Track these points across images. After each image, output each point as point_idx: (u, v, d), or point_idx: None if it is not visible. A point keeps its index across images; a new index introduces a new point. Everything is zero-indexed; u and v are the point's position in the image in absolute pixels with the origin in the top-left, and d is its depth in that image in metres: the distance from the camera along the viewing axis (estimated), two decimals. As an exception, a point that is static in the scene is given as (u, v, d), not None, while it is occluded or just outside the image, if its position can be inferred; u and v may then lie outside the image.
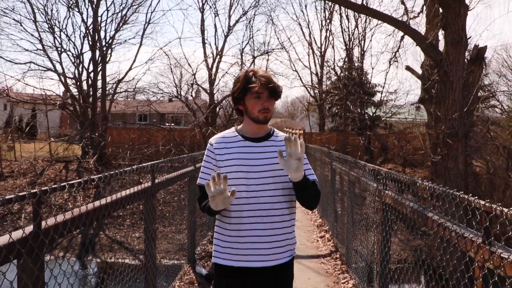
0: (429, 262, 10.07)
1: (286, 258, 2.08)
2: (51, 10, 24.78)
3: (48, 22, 19.07)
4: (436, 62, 9.95)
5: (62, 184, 2.06)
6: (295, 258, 2.23)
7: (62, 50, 19.18)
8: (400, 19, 14.48)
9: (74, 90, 19.60)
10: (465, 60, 19.43)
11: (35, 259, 1.84)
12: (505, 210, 1.64)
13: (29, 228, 1.85)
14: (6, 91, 20.75)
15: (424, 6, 14.78)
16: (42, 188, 1.87)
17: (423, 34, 11.49)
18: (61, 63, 19.10)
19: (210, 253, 5.91)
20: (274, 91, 2.04)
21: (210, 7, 29.84)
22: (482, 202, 1.80)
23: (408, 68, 18.22)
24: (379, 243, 3.44)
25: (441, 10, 9.72)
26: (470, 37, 10.50)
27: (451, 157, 9.89)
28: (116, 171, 2.82)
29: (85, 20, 19.34)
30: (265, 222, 2.02)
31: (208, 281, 4.90)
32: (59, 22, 32.63)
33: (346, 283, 4.90)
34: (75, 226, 2.20)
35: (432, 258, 10.58)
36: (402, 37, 16.85)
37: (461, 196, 1.99)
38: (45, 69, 18.99)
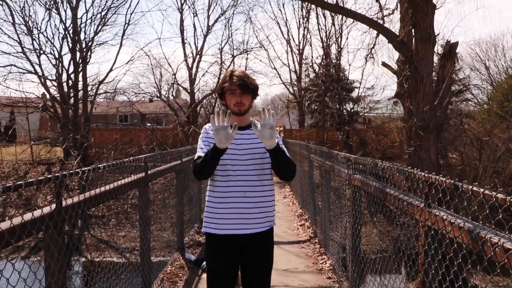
0: (404, 250, 10.59)
1: (266, 227, 2.50)
2: (29, 12, 24.76)
3: (26, 24, 19.12)
4: (407, 58, 10.48)
5: (77, 170, 2.43)
6: (277, 244, 2.65)
7: (41, 52, 19.27)
8: (375, 16, 15.08)
9: (54, 92, 19.69)
10: (438, 55, 20.11)
11: (59, 231, 2.21)
12: (440, 178, 2.08)
13: (53, 206, 2.22)
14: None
15: (398, 4, 15.35)
16: (63, 173, 2.24)
17: (398, 30, 12.02)
18: (40, 66, 19.17)
19: (198, 242, 6.32)
20: (246, 87, 2.44)
21: (189, 7, 30.26)
22: (422, 173, 2.25)
23: (384, 64, 18.77)
24: (350, 220, 3.89)
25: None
26: (438, 34, 11.01)
27: (423, 148, 10.44)
28: (112, 162, 3.19)
29: (64, 22, 19.46)
30: (248, 196, 2.43)
31: (197, 266, 5.29)
32: (37, 24, 32.38)
33: (324, 263, 5.35)
34: (87, 206, 2.58)
35: (407, 247, 11.10)
36: (378, 34, 17.38)
37: (408, 170, 2.44)
38: (25, 71, 19.03)
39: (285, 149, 2.51)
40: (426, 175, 2.21)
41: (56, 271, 2.20)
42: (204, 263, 5.26)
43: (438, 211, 2.14)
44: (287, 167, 2.45)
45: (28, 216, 1.99)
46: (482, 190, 1.67)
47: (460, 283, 1.85)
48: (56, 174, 2.19)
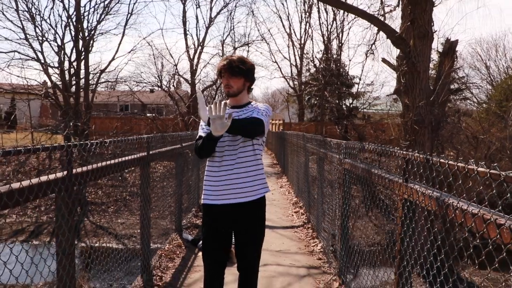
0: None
1: (257, 196, 2.73)
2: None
3: (29, 11, 19.23)
4: (405, 53, 10.67)
5: (86, 141, 2.65)
6: (272, 228, 2.88)
7: (44, 39, 19.41)
8: (377, 12, 15.25)
9: (56, 80, 19.84)
10: (438, 52, 20.25)
11: (69, 194, 2.44)
12: (415, 153, 2.31)
13: (65, 172, 2.45)
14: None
15: (400, 1, 15.55)
16: (75, 142, 2.46)
17: (399, 27, 12.20)
18: (42, 53, 19.31)
19: (195, 225, 6.55)
20: (232, 70, 2.65)
21: (192, -2, 30.24)
22: (400, 151, 2.47)
23: (384, 60, 18.91)
24: (340, 200, 4.12)
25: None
26: (436, 31, 11.19)
27: (418, 143, 10.63)
28: (117, 139, 3.42)
29: (67, 9, 19.58)
30: (239, 168, 2.66)
31: (194, 245, 5.53)
32: (40, 11, 32.50)
33: (315, 245, 5.59)
34: (94, 176, 2.81)
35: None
36: (378, 31, 17.58)
37: (389, 150, 2.66)
38: (28, 58, 19.18)
39: (258, 114, 2.65)
40: (404, 152, 2.44)
41: (66, 230, 2.43)
42: (201, 242, 5.49)
43: (413, 185, 2.36)
44: (246, 132, 2.59)
45: (44, 178, 2.21)
46: (447, 161, 1.89)
47: (429, 245, 2.08)
48: (68, 143, 2.41)
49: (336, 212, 4.45)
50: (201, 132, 2.73)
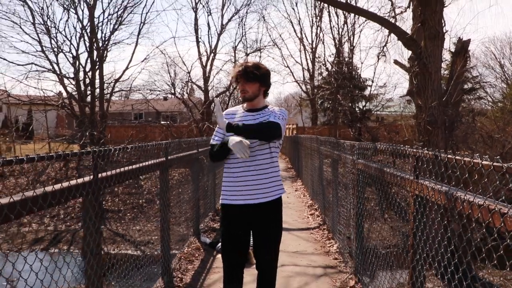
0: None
1: (274, 197, 2.83)
2: (47, 12, 25.40)
3: (45, 24, 19.68)
4: (416, 55, 10.72)
5: (109, 147, 2.80)
6: (288, 231, 2.99)
7: (59, 51, 19.82)
8: (387, 14, 15.29)
9: (72, 90, 20.23)
10: (451, 52, 20.15)
11: (96, 197, 2.58)
12: (425, 151, 2.40)
13: (91, 177, 2.59)
14: (7, 92, 21.30)
15: (411, 2, 15.58)
16: (101, 148, 2.60)
17: (410, 28, 12.27)
18: (58, 64, 19.73)
19: (212, 228, 6.68)
20: (247, 76, 2.79)
21: (203, 6, 30.65)
22: (411, 149, 2.57)
23: (396, 62, 18.96)
24: (354, 200, 4.21)
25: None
26: (447, 31, 11.20)
27: (432, 143, 10.65)
28: (137, 145, 3.56)
29: (82, 20, 19.98)
30: (256, 170, 2.78)
31: (212, 248, 5.65)
32: (55, 23, 33.11)
33: (331, 246, 5.68)
34: (117, 180, 2.95)
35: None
36: (390, 32, 17.61)
37: (399, 148, 2.76)
38: (45, 69, 19.60)
39: (274, 118, 2.80)
40: (414, 150, 2.53)
41: (94, 231, 2.57)
42: (219, 245, 5.61)
43: (423, 181, 2.45)
44: (260, 135, 2.75)
45: (73, 182, 2.35)
46: (454, 157, 1.99)
47: (439, 238, 2.17)
48: (94, 149, 2.56)
49: (351, 212, 4.54)
50: (214, 140, 2.88)
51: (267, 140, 2.78)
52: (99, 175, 2.68)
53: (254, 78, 2.80)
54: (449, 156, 2.04)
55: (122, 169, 3.14)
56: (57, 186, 2.15)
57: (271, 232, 2.89)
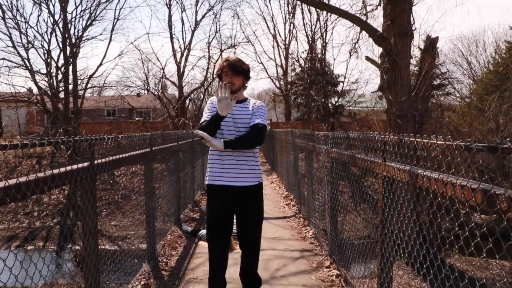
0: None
1: (255, 182, 3.09)
2: (17, 7, 24.95)
3: (14, 18, 19.38)
4: (386, 51, 11.15)
5: (103, 136, 3.01)
6: (265, 219, 3.23)
7: (30, 46, 19.55)
8: (359, 12, 15.74)
9: (43, 87, 19.97)
10: (420, 49, 20.80)
11: (92, 182, 2.79)
12: (391, 136, 2.70)
13: (87, 163, 2.80)
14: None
15: (381, 1, 16.05)
16: (96, 136, 2.82)
17: (381, 25, 12.70)
18: (28, 60, 19.46)
19: (193, 218, 6.90)
20: (236, 69, 3.04)
21: (177, 2, 30.77)
22: (378, 136, 2.87)
23: (367, 58, 19.47)
24: (329, 187, 4.52)
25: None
26: (415, 29, 11.65)
27: (402, 136, 11.12)
28: (125, 134, 3.77)
29: (53, 15, 19.73)
30: (240, 156, 3.02)
31: (194, 236, 5.89)
32: (25, 18, 32.49)
33: (307, 232, 5.99)
34: (108, 168, 3.16)
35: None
36: (361, 30, 18.06)
37: (369, 135, 3.06)
38: (16, 65, 19.32)
39: (260, 118, 3.04)
40: (382, 136, 2.84)
41: (91, 212, 2.78)
42: (200, 232, 5.86)
43: (390, 163, 2.76)
44: (254, 142, 3.00)
45: (74, 166, 2.56)
46: (415, 139, 2.29)
47: (404, 212, 2.48)
48: (90, 137, 2.77)
49: (326, 197, 4.85)
50: (205, 117, 3.09)
51: (260, 144, 3.06)
52: (95, 161, 2.90)
53: (241, 71, 3.05)
54: (411, 139, 2.34)
55: (114, 157, 3.35)
56: (56, 171, 2.35)
57: (255, 215, 3.14)
